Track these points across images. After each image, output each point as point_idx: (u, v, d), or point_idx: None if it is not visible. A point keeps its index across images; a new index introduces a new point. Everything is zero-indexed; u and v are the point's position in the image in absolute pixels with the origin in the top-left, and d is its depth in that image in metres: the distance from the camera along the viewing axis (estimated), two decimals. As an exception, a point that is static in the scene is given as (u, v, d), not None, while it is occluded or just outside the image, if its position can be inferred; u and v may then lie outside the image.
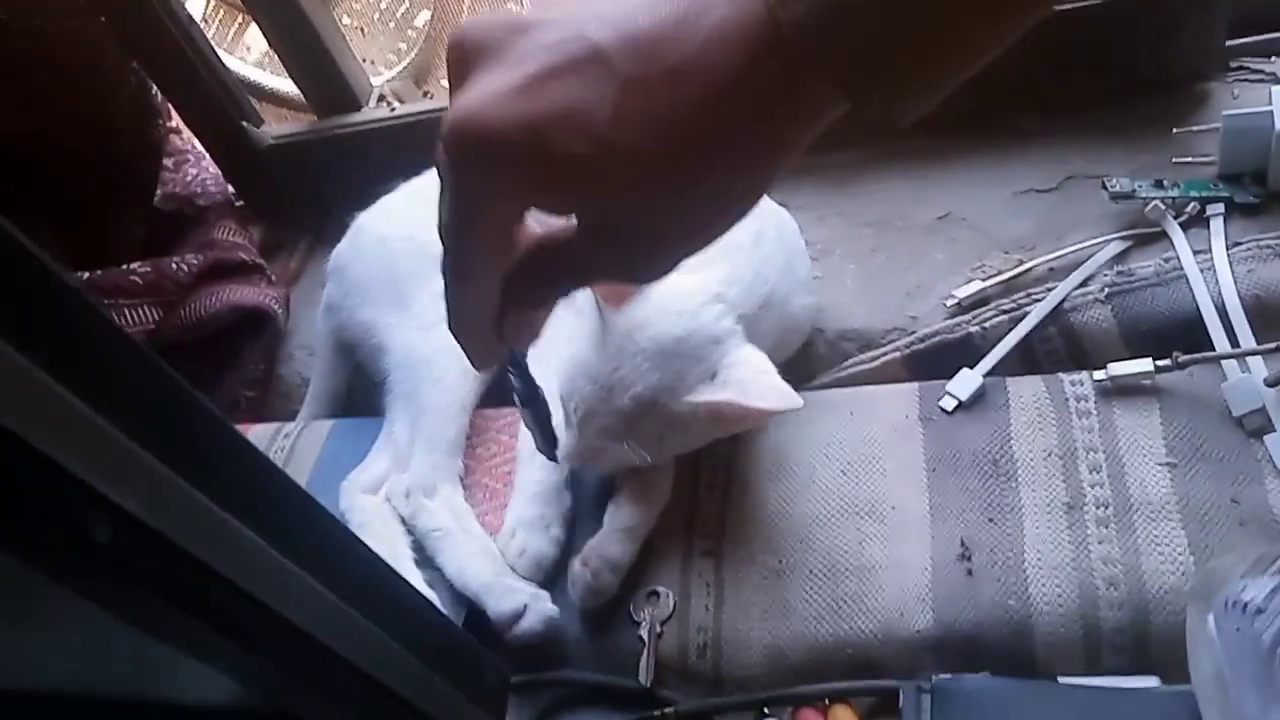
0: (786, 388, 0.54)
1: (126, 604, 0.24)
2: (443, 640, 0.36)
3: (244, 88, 0.98)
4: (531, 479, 0.63)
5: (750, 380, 0.55)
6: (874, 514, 0.58)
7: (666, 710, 0.53)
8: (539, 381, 0.46)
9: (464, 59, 0.30)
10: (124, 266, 0.83)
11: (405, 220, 0.73)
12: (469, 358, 0.37)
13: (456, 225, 0.32)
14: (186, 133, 0.98)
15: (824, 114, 0.29)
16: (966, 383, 0.62)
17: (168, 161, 0.98)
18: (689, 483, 0.63)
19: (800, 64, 0.27)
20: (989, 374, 0.62)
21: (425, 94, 0.99)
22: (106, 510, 0.22)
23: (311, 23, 0.87)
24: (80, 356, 0.23)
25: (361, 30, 1.23)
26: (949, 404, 0.62)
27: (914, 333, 0.68)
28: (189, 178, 0.97)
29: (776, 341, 0.63)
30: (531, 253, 0.33)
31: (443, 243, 0.33)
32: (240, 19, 1.31)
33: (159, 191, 0.95)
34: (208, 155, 0.98)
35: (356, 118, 0.92)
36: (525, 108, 0.28)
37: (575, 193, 0.30)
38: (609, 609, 0.59)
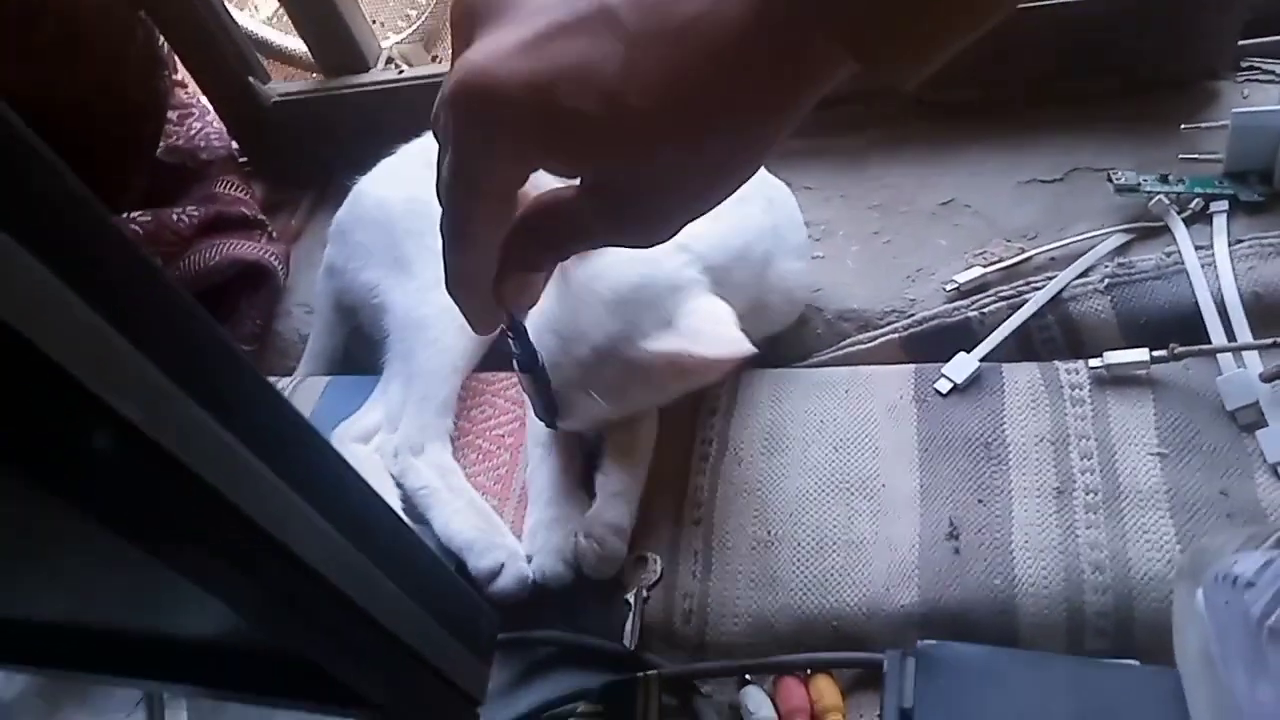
0: (739, 336, 0.54)
1: (125, 519, 0.24)
2: (440, 584, 0.36)
3: (252, 44, 0.97)
4: (547, 480, 0.63)
5: (703, 329, 0.55)
6: (864, 491, 0.58)
7: (650, 673, 0.53)
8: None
9: (469, 16, 0.30)
10: (125, 215, 0.82)
11: (405, 183, 0.73)
12: (467, 320, 0.37)
13: (457, 186, 0.32)
14: (192, 87, 0.98)
15: (831, 74, 0.29)
16: (962, 366, 0.62)
17: (172, 114, 0.97)
18: (682, 453, 0.63)
19: (808, 22, 0.27)
20: (985, 359, 0.63)
21: (434, 59, 0.98)
22: (106, 418, 0.22)
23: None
24: (87, 261, 0.23)
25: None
26: (944, 386, 0.62)
27: (912, 315, 0.68)
28: (193, 131, 0.96)
29: (757, 303, 0.63)
30: (531, 215, 0.33)
31: (441, 204, 0.33)
32: None
33: (162, 144, 0.95)
34: (212, 110, 0.98)
35: (364, 78, 0.92)
36: (532, 65, 0.28)
37: (581, 152, 0.30)
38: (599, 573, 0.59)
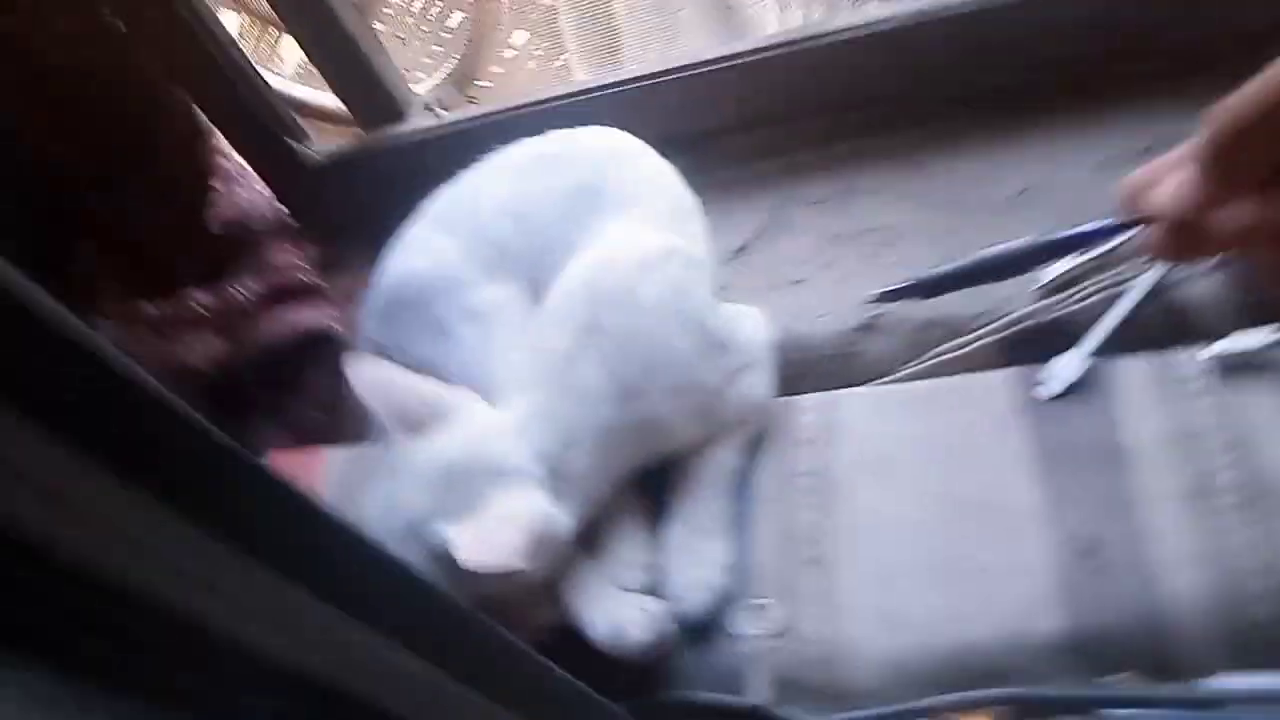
0: (510, 547, 0.48)
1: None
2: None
3: (286, 105, 0.96)
4: (697, 509, 0.61)
5: (480, 530, 0.49)
6: (984, 513, 0.56)
7: (788, 730, 0.51)
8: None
9: None
10: (187, 298, 0.82)
11: (425, 252, 0.71)
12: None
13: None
14: (235, 156, 0.98)
15: None
16: (1066, 367, 0.59)
17: (217, 184, 0.97)
18: (777, 489, 0.61)
19: None
20: (1091, 356, 0.60)
21: (470, 99, 0.97)
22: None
23: (348, 32, 0.86)
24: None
25: (400, 39, 1.21)
26: (1049, 391, 0.59)
27: (1004, 316, 0.65)
28: (240, 200, 0.96)
29: (685, 422, 0.60)
30: None
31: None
32: (272, 32, 1.30)
33: (214, 216, 0.95)
34: (257, 176, 0.97)
35: (404, 129, 0.91)
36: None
37: None
38: (705, 625, 0.57)
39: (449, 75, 1.03)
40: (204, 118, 0.92)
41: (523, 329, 0.65)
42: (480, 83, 1.06)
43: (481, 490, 0.53)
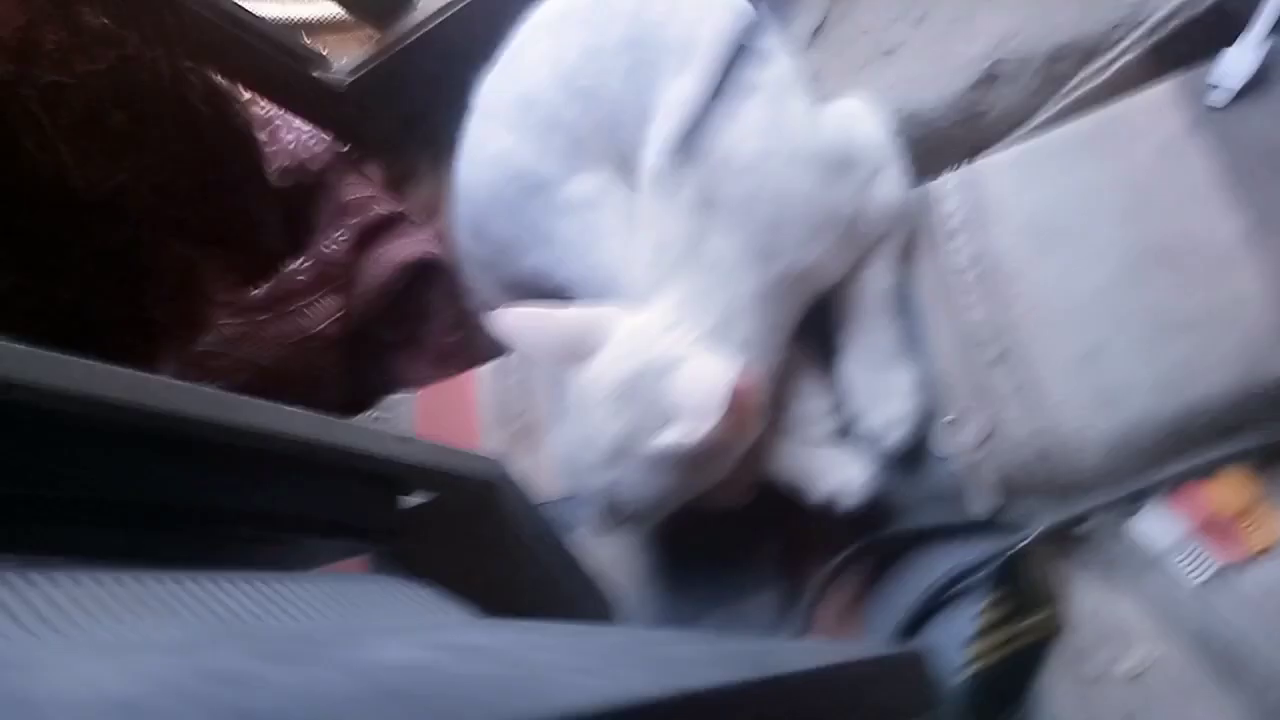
0: (713, 402, 0.47)
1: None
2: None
3: (289, 34, 0.90)
4: (867, 341, 0.58)
5: (685, 402, 0.49)
6: (1180, 257, 0.50)
7: (1026, 536, 0.50)
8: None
9: None
10: (287, 269, 0.82)
11: (492, 155, 0.66)
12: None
13: None
14: (265, 103, 0.93)
15: None
16: (1238, 61, 0.51)
17: (261, 134, 0.94)
18: (941, 292, 0.57)
19: None
20: (1267, 39, 0.51)
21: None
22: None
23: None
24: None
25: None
26: (1224, 95, 0.51)
27: (1147, 19, 0.56)
28: (290, 144, 0.93)
29: (832, 257, 0.55)
30: None
31: None
32: None
33: (272, 169, 0.92)
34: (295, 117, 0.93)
35: (417, 17, 0.84)
36: None
37: None
38: (909, 451, 0.56)
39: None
40: (218, 76, 0.88)
41: (626, 213, 0.62)
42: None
43: (666, 391, 0.51)
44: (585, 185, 0.62)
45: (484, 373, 0.77)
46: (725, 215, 0.53)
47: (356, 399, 0.90)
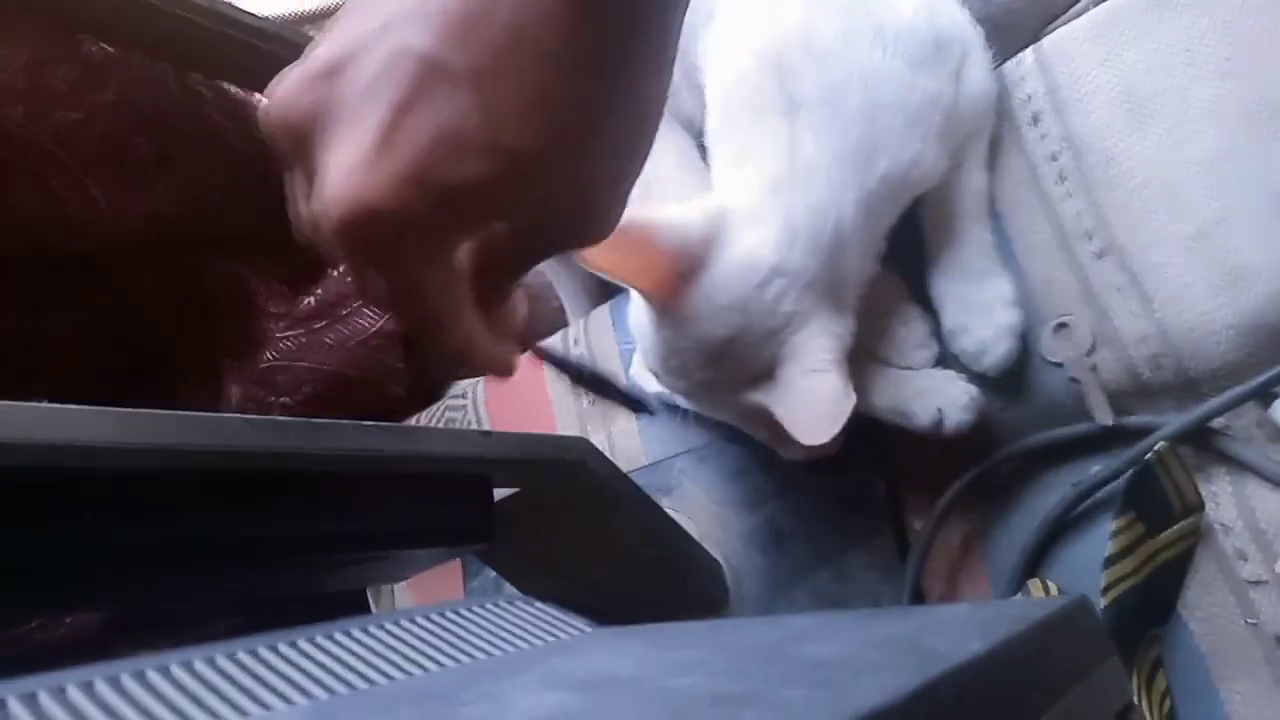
0: (826, 418, 0.44)
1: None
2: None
3: (293, 29, 0.87)
4: (960, 250, 0.53)
5: (800, 404, 0.46)
6: (1297, 107, 0.45)
7: (1157, 439, 0.46)
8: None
9: (298, 139, 0.27)
10: (335, 273, 0.80)
11: None
12: (493, 371, 0.35)
13: (405, 296, 0.30)
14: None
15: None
16: None
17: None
18: (1030, 185, 0.52)
19: None
20: None
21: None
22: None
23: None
24: None
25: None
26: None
27: None
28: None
29: (932, 153, 0.49)
30: (478, 270, 0.32)
31: (401, 316, 0.31)
32: None
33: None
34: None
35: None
36: (397, 164, 0.26)
37: (490, 211, 0.29)
38: (1014, 364, 0.52)
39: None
40: (230, 88, 0.85)
41: (679, 155, 0.58)
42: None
43: (764, 350, 0.47)
44: None
45: (549, 346, 0.75)
46: (814, 112, 0.47)
47: (424, 391, 0.89)
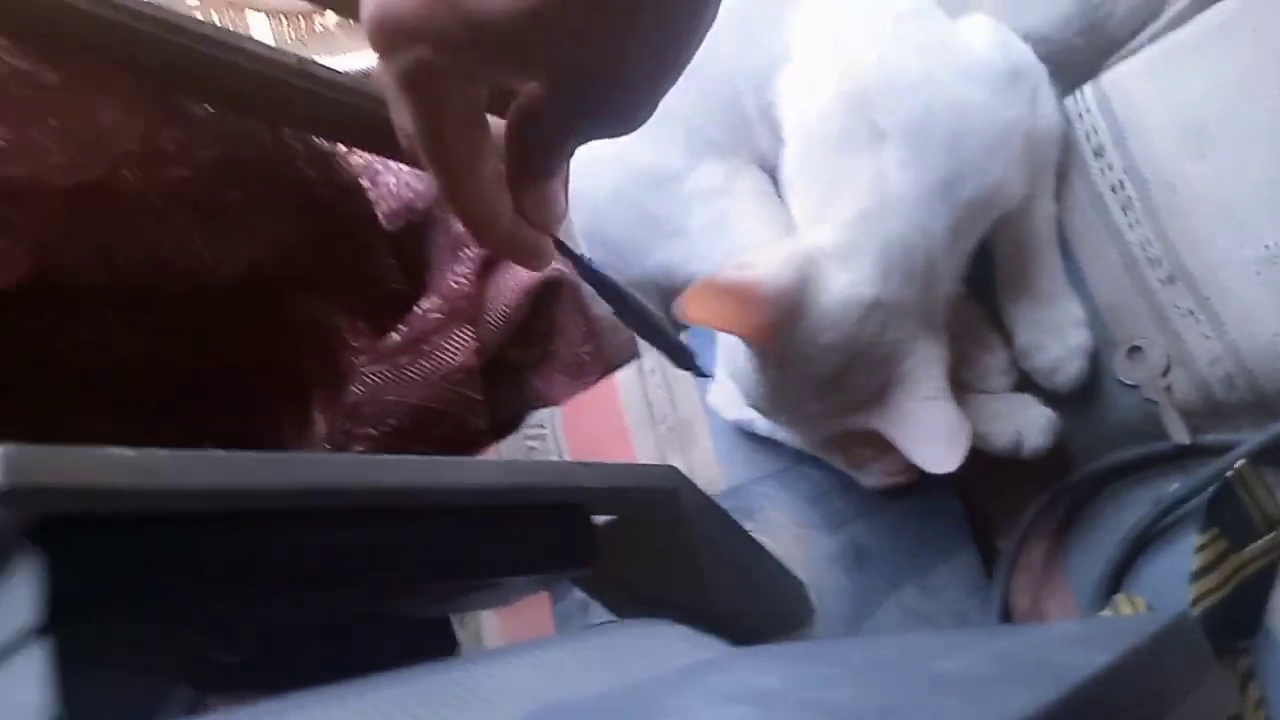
0: (953, 444, 0.47)
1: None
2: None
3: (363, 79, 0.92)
4: (1030, 275, 0.55)
5: (912, 424, 0.49)
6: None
7: (1233, 456, 0.48)
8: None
9: None
10: (418, 310, 0.84)
11: (602, 158, 0.65)
12: (518, 260, 0.35)
13: (425, 129, 0.31)
14: (356, 152, 0.96)
15: None
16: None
17: (364, 183, 0.96)
18: (1096, 214, 0.54)
19: None
20: None
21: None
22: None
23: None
24: None
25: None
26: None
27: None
28: (393, 186, 0.95)
29: (1013, 179, 0.52)
30: (512, 125, 0.32)
31: (421, 155, 0.32)
32: (303, 21, 1.22)
33: (380, 217, 0.95)
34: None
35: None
36: None
37: (514, 53, 0.28)
38: (1088, 385, 0.54)
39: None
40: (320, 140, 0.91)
41: (759, 194, 0.61)
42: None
43: (872, 380, 0.50)
44: (712, 174, 0.61)
45: (624, 377, 0.78)
46: (900, 144, 0.49)
47: (502, 423, 0.93)
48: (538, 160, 0.33)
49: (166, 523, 0.30)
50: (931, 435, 0.47)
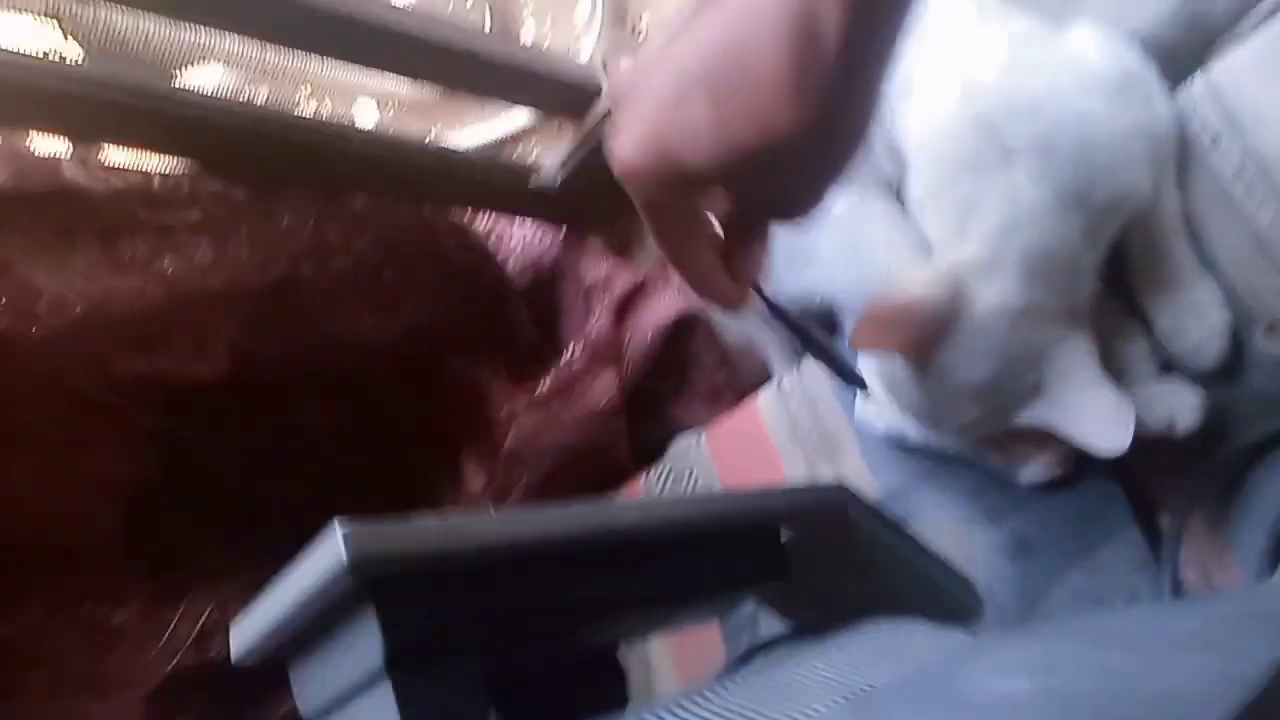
0: (1120, 425, 0.51)
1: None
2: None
3: (493, 151, 1.00)
4: (1164, 263, 0.58)
5: (1077, 413, 0.53)
6: None
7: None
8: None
9: (615, 104, 0.41)
10: (563, 360, 0.91)
11: None
12: (724, 305, 0.46)
13: (658, 229, 0.43)
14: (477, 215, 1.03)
15: None
16: None
17: (493, 248, 1.04)
18: (1221, 203, 0.57)
19: None
20: None
21: (634, 31, 0.95)
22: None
23: (518, 64, 0.86)
24: None
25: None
26: None
27: None
28: (518, 245, 1.02)
29: (1141, 180, 0.55)
30: (723, 223, 0.44)
31: (657, 243, 0.43)
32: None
33: (511, 272, 1.02)
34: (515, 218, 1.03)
35: (605, 102, 0.91)
36: (653, 145, 0.38)
37: (714, 183, 0.39)
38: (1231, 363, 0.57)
39: (604, 23, 1.00)
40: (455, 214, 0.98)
41: (888, 218, 0.65)
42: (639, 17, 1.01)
43: (1026, 379, 0.54)
44: (842, 203, 0.66)
45: (765, 399, 0.83)
46: (1030, 160, 0.53)
47: (644, 453, 0.98)
48: (742, 238, 0.46)
49: (467, 575, 0.36)
50: (1098, 420, 0.51)
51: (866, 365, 0.68)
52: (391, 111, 1.34)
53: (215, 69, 0.98)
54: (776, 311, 0.50)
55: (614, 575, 0.45)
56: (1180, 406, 0.56)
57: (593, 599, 0.44)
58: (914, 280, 0.54)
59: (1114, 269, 0.59)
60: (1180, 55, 0.61)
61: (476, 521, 0.37)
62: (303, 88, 1.28)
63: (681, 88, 0.37)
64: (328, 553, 0.31)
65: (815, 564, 0.60)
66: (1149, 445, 0.58)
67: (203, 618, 0.79)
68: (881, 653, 0.34)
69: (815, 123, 0.36)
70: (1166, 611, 0.30)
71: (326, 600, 0.32)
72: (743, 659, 0.65)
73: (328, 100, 1.37)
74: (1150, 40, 0.60)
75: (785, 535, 0.56)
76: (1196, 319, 0.56)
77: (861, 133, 0.39)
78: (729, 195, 0.42)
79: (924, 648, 0.35)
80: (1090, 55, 0.56)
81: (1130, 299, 0.60)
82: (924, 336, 0.53)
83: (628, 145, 0.39)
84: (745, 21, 0.35)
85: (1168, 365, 0.58)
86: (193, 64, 0.88)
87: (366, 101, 1.38)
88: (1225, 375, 0.57)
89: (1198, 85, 0.58)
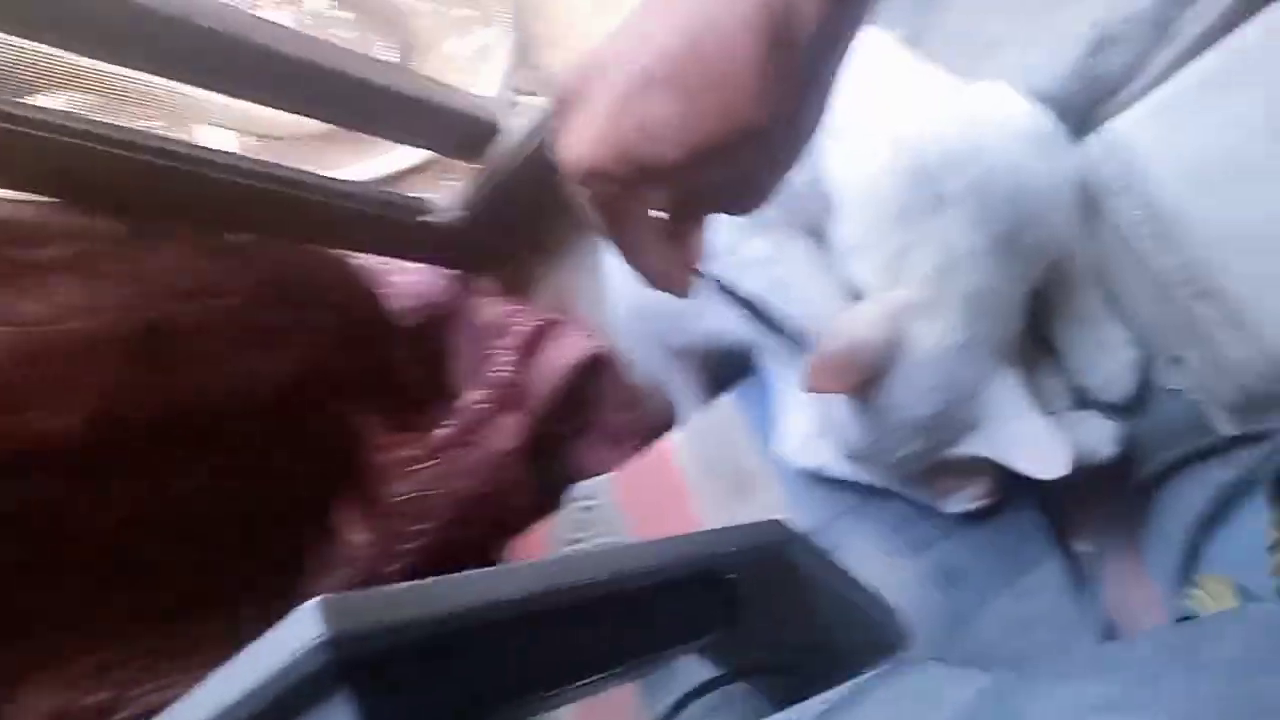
0: (1058, 450, 0.54)
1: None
2: None
3: (387, 191, 0.95)
4: (1074, 302, 0.62)
5: (1018, 442, 0.56)
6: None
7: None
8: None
9: (561, 105, 0.39)
10: (460, 404, 0.87)
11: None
12: (672, 289, 0.46)
13: (608, 224, 0.42)
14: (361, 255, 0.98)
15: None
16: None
17: (379, 289, 0.98)
18: (1123, 246, 0.61)
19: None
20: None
21: (535, 68, 0.93)
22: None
23: (412, 96, 0.83)
24: None
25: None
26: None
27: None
28: (408, 286, 0.98)
29: (1064, 224, 0.60)
30: (671, 212, 0.45)
31: (607, 236, 0.43)
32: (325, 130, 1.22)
33: (396, 313, 0.97)
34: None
35: (507, 140, 0.89)
36: (609, 141, 0.37)
37: (670, 180, 0.39)
38: (1139, 395, 0.61)
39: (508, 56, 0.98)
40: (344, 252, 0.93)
41: (809, 259, 0.66)
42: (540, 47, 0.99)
43: (966, 415, 0.56)
44: (762, 245, 0.66)
45: (677, 438, 0.82)
46: (963, 206, 0.55)
47: (546, 500, 0.95)
48: (687, 226, 0.47)
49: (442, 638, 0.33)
50: (1037, 447, 0.53)
51: (800, 402, 0.69)
52: (255, 140, 1.26)
53: (66, 95, 0.88)
54: (725, 289, 0.53)
55: (581, 632, 0.42)
56: (1099, 437, 0.59)
57: (555, 660, 0.41)
58: (855, 322, 0.55)
59: (1029, 307, 0.63)
60: (1078, 110, 0.65)
61: (445, 585, 0.34)
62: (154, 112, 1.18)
63: (642, 83, 0.36)
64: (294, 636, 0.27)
65: (756, 605, 0.59)
66: (1067, 474, 0.61)
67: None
68: (921, 703, 0.33)
69: (787, 112, 0.37)
70: (1191, 633, 0.31)
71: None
72: (677, 708, 0.63)
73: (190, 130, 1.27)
74: (1047, 96, 0.65)
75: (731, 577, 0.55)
76: (1106, 355, 0.60)
77: (819, 122, 0.40)
78: (684, 186, 0.42)
79: (956, 692, 0.35)
80: (1017, 108, 0.59)
81: (1044, 336, 0.63)
82: (866, 375, 0.54)
83: (583, 144, 0.38)
84: (708, 15, 0.35)
85: (1081, 399, 0.62)
86: (46, 89, 0.79)
87: (221, 132, 1.29)
88: (1134, 407, 0.61)
89: (1103, 139, 0.63)
